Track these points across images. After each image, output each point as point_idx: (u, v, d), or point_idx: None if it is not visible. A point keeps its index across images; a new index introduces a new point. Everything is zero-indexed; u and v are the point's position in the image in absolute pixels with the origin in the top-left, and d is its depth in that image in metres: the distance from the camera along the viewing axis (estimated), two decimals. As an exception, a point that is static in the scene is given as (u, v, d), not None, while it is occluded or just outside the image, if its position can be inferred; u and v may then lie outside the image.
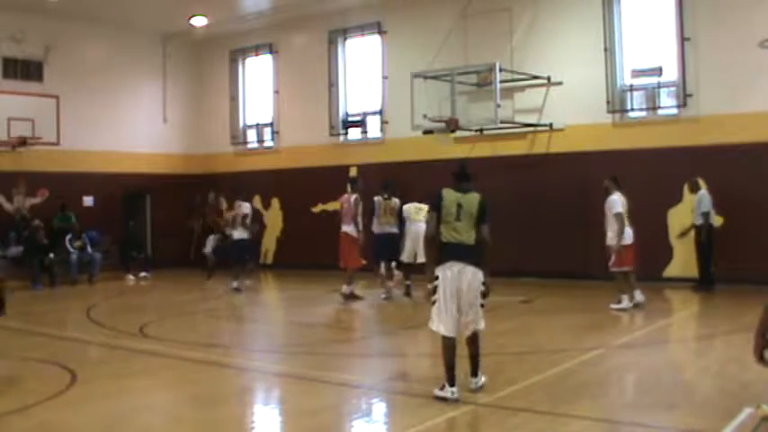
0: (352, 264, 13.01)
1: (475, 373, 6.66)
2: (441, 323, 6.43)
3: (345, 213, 13.05)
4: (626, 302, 11.27)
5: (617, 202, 11.41)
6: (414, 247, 12.87)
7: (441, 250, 6.47)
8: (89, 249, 17.11)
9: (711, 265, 13.07)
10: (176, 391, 7.53)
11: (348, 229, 12.98)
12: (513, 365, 7.76)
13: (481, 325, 6.57)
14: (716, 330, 10.02)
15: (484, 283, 6.45)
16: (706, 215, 12.97)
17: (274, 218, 19.70)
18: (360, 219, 12.97)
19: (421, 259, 13.12)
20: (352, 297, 13.01)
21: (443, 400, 6.32)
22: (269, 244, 19.74)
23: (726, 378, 7.23)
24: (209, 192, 18.63)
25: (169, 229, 19.68)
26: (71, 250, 16.82)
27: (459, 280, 6.37)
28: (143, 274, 17.89)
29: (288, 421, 6.55)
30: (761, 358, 3.92)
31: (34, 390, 7.18)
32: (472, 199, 6.52)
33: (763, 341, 3.89)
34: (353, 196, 13.06)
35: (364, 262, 13.23)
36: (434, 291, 6.46)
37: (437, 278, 6.43)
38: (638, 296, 11.41)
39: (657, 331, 10.09)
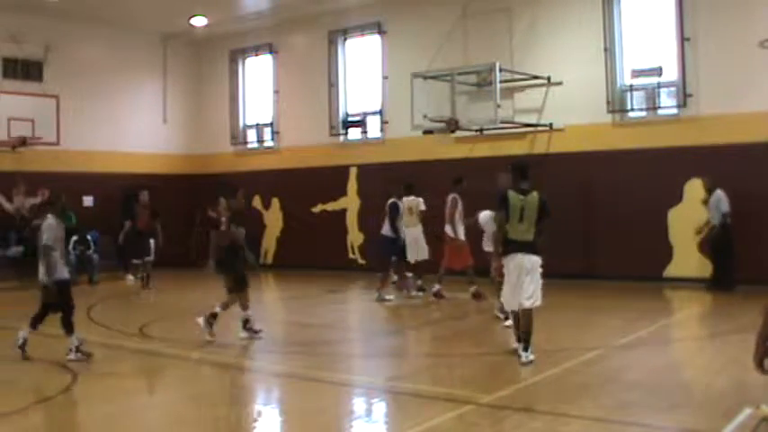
0: (446, 263, 12.83)
1: (525, 348, 7.64)
2: (507, 302, 7.81)
3: (447, 214, 12.69)
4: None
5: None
6: (415, 250, 13.20)
7: (507, 244, 7.80)
8: (92, 250, 17.08)
9: (733, 265, 12.85)
10: (176, 391, 7.53)
11: (446, 229, 12.69)
12: (513, 365, 7.75)
13: (539, 301, 7.73)
14: (716, 330, 10.02)
15: (542, 266, 7.80)
16: (726, 215, 12.92)
17: (274, 218, 19.70)
18: (456, 219, 12.49)
19: (422, 257, 13.18)
20: (438, 295, 12.82)
21: (526, 364, 7.52)
22: (268, 244, 19.75)
23: (726, 378, 7.22)
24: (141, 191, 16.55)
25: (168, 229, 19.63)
26: (71, 252, 16.76)
27: (521, 267, 7.68)
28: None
29: (288, 421, 6.55)
30: (760, 366, 3.85)
31: (34, 390, 7.17)
32: (533, 200, 7.81)
33: (764, 348, 3.81)
34: (450, 196, 12.57)
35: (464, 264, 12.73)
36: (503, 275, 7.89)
37: (503, 266, 7.83)
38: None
39: (658, 331, 10.08)
